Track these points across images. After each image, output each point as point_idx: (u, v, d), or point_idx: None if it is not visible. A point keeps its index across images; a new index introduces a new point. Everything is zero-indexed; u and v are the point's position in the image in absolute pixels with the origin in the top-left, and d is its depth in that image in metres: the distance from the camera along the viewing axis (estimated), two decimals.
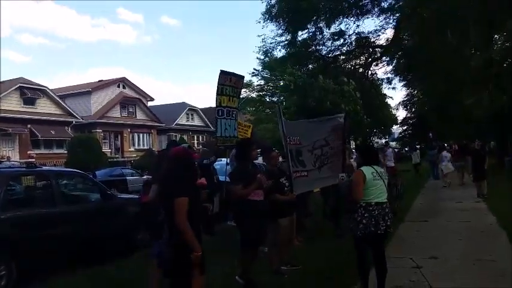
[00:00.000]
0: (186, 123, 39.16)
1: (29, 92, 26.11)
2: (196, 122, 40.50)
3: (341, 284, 4.75)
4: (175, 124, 37.14)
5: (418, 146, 43.51)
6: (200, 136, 39.67)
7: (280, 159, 7.46)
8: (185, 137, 36.54)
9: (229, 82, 7.53)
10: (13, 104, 25.42)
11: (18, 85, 25.68)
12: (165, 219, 3.40)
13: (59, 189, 6.15)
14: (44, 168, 7.53)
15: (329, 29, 24.61)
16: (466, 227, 7.42)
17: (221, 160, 9.71)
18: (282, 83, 23.47)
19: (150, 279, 4.40)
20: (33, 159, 23.85)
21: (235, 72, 7.80)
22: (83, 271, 5.46)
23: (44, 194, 6.15)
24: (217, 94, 7.35)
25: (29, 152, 25.10)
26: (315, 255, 6.03)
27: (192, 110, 40.21)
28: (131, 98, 33.68)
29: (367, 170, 4.32)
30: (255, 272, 5.03)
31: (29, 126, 25.69)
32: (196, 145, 35.27)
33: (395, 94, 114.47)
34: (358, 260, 4.43)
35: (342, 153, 6.78)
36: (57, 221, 5.69)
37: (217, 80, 7.36)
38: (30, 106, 26.41)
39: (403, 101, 45.76)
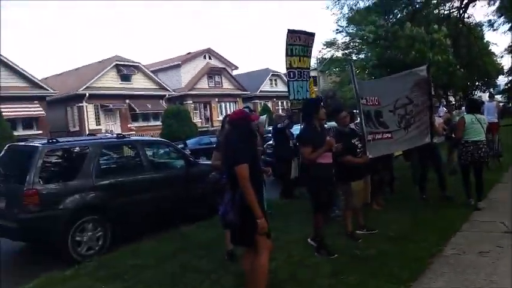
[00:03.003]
0: (270, 89, 39.22)
1: (125, 69, 28.27)
2: (280, 87, 40.33)
3: (421, 248, 4.53)
4: (260, 91, 37.43)
5: None
6: (284, 101, 39.56)
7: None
8: (269, 104, 36.83)
9: (298, 41, 7.27)
10: (111, 81, 27.76)
11: (114, 63, 27.93)
12: (228, 182, 3.47)
13: (146, 157, 6.64)
14: (132, 138, 8.16)
15: None
16: None
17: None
18: (365, 36, 21.72)
19: (226, 239, 4.61)
20: (133, 132, 26.21)
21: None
22: (165, 233, 5.92)
23: (133, 161, 6.70)
24: (287, 55, 7.17)
25: (129, 125, 27.63)
26: (396, 219, 5.79)
27: (275, 75, 40.02)
28: (217, 68, 34.56)
29: (468, 117, 6.24)
30: (330, 235, 5.02)
31: (127, 101, 27.92)
32: (280, 111, 35.40)
33: (501, 39, 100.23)
34: (463, 179, 6.37)
35: (428, 109, 6.29)
36: (144, 186, 6.17)
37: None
38: (127, 82, 28.57)
39: (509, 47, 40.30)
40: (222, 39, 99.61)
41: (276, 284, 3.78)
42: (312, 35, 7.63)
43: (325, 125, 6.15)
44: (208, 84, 34.12)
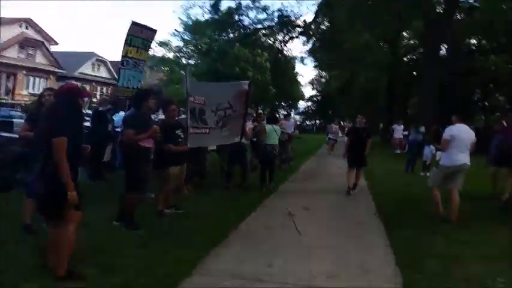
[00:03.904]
0: (91, 73, 36.65)
1: None
2: (103, 73, 38.05)
3: (220, 224, 5.18)
4: (78, 73, 34.57)
5: (318, 121, 47.24)
6: (105, 88, 37.52)
7: (183, 116, 7.63)
8: (87, 87, 34.24)
9: (140, 34, 7.35)
10: None
11: None
12: (43, 153, 3.36)
13: None
14: None
15: (254, 2, 25.61)
16: (339, 187, 8.32)
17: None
18: (200, 46, 23.51)
19: (26, 211, 4.41)
20: None
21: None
22: None
23: None
24: (125, 44, 7.14)
25: None
26: (203, 202, 6.49)
27: (101, 61, 37.77)
28: (32, 39, 30.54)
29: (268, 126, 8.42)
30: (141, 214, 5.23)
31: None
32: (99, 96, 33.40)
33: (306, 73, 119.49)
34: (261, 171, 8.46)
35: (242, 117, 7.23)
36: None
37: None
38: None
39: (311, 80, 48.89)
40: (51, 12, 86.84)
41: (82, 255, 3.77)
42: (154, 31, 7.78)
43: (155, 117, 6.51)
44: (18, 55, 29.73)
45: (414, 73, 27.13)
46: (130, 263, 3.77)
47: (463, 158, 5.80)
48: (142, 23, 7.46)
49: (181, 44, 27.80)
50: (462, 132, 5.90)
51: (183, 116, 6.51)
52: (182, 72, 26.09)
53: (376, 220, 5.93)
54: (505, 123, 8.32)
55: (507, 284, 3.51)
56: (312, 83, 49.68)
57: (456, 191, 5.84)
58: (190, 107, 6.01)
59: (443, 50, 22.85)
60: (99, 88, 36.67)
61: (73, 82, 32.71)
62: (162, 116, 6.81)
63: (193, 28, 26.05)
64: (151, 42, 7.88)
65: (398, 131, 18.50)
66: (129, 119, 5.11)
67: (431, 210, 6.08)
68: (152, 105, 5.13)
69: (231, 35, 26.48)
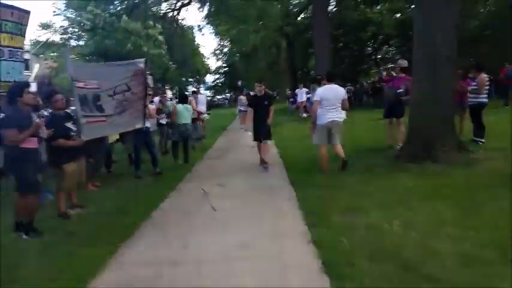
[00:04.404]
0: None
1: None
2: None
3: (132, 217, 4.97)
4: None
5: (229, 94, 46.99)
6: None
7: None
8: None
9: (10, 17, 6.46)
10: None
11: None
12: None
13: None
14: None
15: None
16: (252, 161, 8.36)
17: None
18: (82, 23, 21.25)
19: None
20: None
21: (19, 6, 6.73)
22: None
23: None
24: None
25: None
26: (112, 196, 6.14)
27: None
28: None
29: (179, 106, 8.60)
30: (43, 218, 4.87)
31: None
32: None
33: (208, 44, 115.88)
34: (173, 151, 8.78)
35: (143, 98, 6.86)
36: None
37: None
38: None
39: (214, 50, 47.70)
40: None
41: None
42: (27, 12, 6.84)
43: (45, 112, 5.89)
44: None
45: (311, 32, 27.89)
46: (35, 272, 3.51)
47: (333, 115, 6.40)
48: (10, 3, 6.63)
49: (65, 23, 25.12)
50: (328, 93, 6.46)
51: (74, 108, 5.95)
52: (75, 56, 23.91)
53: (287, 185, 6.14)
54: (394, 74, 8.78)
55: (401, 225, 3.89)
56: (215, 53, 48.43)
57: (338, 146, 6.55)
58: (79, 94, 5.53)
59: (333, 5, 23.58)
60: None
61: None
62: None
63: (75, 4, 23.38)
64: (26, 25, 6.97)
65: (302, 94, 18.63)
66: (7, 117, 4.52)
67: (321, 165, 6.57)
68: (29, 100, 4.56)
69: (118, 8, 24.43)
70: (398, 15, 22.55)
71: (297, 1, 29.22)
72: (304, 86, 19.57)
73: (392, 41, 26.15)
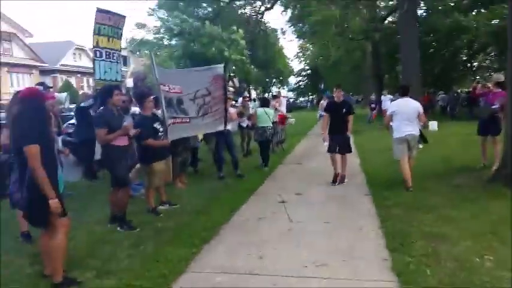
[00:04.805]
0: (73, 63, 35.78)
1: None
2: (85, 62, 37.22)
3: (209, 220, 5.17)
4: (60, 65, 33.73)
5: (312, 97, 46.33)
6: (90, 79, 36.76)
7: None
8: (72, 79, 33.65)
9: (108, 21, 7.09)
10: None
11: None
12: (16, 162, 3.36)
13: None
14: None
15: None
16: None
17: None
18: (169, 27, 22.63)
19: (19, 220, 4.36)
20: None
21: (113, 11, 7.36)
22: None
23: None
24: (94, 34, 6.91)
25: None
26: (196, 195, 6.47)
27: (80, 49, 36.73)
28: (5, 32, 29.35)
29: (259, 110, 8.94)
30: (134, 212, 5.29)
31: None
32: (86, 88, 32.76)
33: (292, 46, 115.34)
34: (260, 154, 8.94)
35: (223, 102, 7.11)
36: None
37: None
38: None
39: (297, 53, 47.75)
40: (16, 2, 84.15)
41: (75, 262, 3.81)
42: (123, 17, 7.48)
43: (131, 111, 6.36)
44: None
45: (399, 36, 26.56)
46: (125, 265, 3.81)
47: (410, 129, 6.34)
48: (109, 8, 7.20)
49: (158, 24, 26.42)
50: (403, 106, 6.44)
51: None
52: (165, 54, 25.43)
53: (367, 200, 5.96)
54: (490, 86, 8.14)
55: (494, 260, 3.57)
56: (297, 56, 48.33)
57: (410, 159, 6.48)
58: (165, 97, 5.85)
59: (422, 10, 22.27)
60: (85, 80, 35.87)
61: (56, 76, 32.23)
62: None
63: (167, 5, 24.84)
64: (121, 29, 7.58)
65: (386, 101, 17.55)
66: (97, 118, 5.00)
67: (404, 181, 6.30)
68: (117, 101, 5.01)
69: (206, 12, 25.51)
70: (496, 21, 20.50)
71: (383, 4, 28.13)
72: (390, 93, 18.70)
73: (489, 49, 23.98)
